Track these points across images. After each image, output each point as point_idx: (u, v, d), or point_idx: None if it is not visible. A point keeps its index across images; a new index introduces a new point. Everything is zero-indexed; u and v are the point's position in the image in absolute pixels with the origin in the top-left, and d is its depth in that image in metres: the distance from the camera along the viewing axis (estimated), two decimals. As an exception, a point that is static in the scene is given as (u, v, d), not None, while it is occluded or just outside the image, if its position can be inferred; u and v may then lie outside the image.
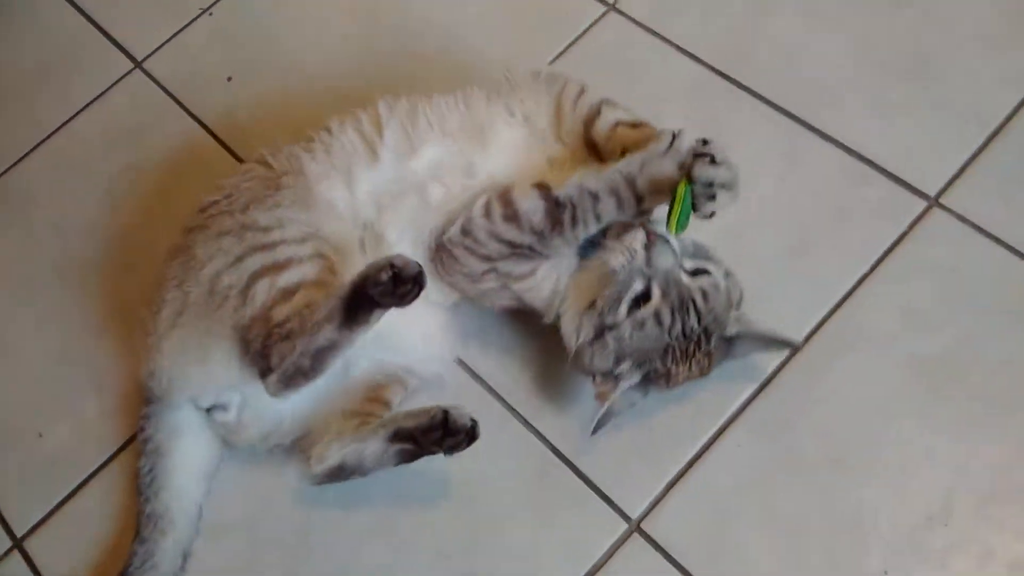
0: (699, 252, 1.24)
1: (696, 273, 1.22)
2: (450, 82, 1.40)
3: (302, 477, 1.30)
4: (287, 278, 1.20)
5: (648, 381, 1.23)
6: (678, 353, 1.20)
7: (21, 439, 1.43)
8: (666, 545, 1.23)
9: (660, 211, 1.23)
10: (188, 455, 1.30)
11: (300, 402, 1.26)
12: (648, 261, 1.19)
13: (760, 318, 1.27)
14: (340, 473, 1.26)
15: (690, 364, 1.22)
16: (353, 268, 1.19)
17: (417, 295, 1.14)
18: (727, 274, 1.24)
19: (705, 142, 1.16)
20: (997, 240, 1.36)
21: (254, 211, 1.25)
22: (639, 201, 1.20)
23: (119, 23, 1.85)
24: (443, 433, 1.19)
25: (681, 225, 1.18)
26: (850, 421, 1.27)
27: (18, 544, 1.36)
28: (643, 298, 1.19)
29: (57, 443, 1.42)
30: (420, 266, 1.13)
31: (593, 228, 1.22)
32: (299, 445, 1.30)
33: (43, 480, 1.40)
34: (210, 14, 1.83)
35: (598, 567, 1.23)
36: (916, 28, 1.56)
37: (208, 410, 1.30)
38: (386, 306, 1.15)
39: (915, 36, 1.55)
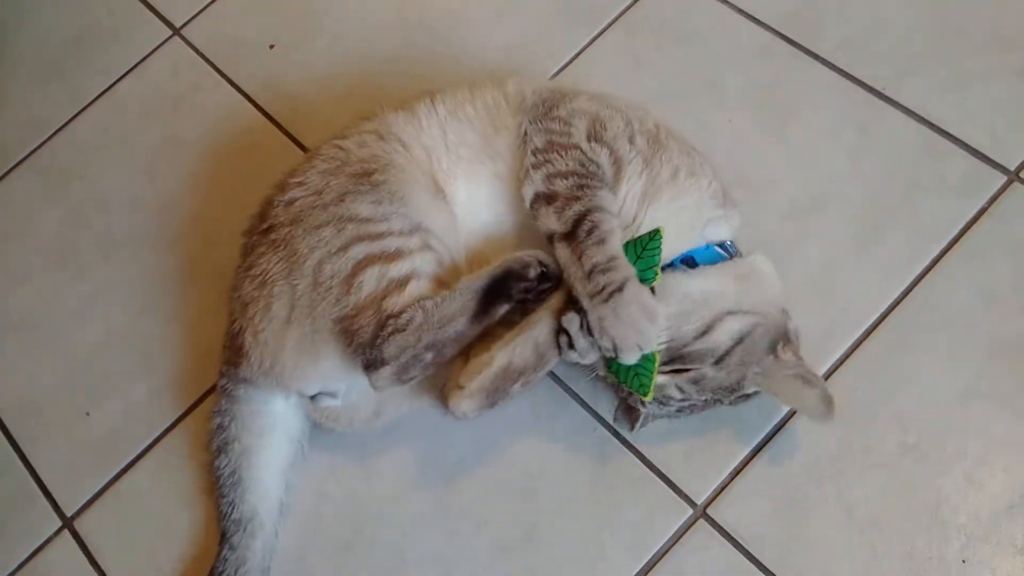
0: (675, 353, 1.12)
1: (675, 371, 1.14)
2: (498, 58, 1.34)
3: (452, 412, 1.17)
4: (399, 268, 1.15)
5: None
6: (689, 412, 1.18)
7: (68, 419, 1.41)
8: (733, 531, 1.20)
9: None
10: (275, 453, 1.26)
11: None
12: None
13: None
14: (503, 385, 1.14)
15: (710, 406, 1.18)
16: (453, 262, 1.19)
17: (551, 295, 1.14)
18: (727, 349, 1.12)
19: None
20: (1081, 216, 1.30)
21: (351, 203, 1.19)
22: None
23: (156, -11, 1.81)
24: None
25: (646, 388, 1.12)
26: (927, 406, 1.22)
27: (68, 524, 1.34)
28: None
29: (105, 423, 1.40)
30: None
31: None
32: (440, 392, 1.22)
33: (92, 460, 1.38)
34: (249, -21, 1.78)
35: (662, 553, 1.20)
36: (993, -6, 1.49)
37: (312, 397, 1.25)
38: (519, 301, 1.14)
39: (992, 3, 1.48)
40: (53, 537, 1.33)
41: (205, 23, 1.75)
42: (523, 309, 1.17)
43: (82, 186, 1.61)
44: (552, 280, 1.14)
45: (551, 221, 1.13)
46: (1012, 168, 1.35)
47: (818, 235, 1.34)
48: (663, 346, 1.12)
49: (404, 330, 1.12)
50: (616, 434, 1.27)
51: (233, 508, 1.23)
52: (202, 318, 1.44)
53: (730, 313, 1.13)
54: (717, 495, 1.22)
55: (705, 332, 1.12)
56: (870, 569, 1.15)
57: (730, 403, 1.17)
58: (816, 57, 1.49)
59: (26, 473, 1.38)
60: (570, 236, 1.12)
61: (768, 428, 1.24)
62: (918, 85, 1.43)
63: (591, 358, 1.13)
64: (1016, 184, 1.34)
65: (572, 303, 1.13)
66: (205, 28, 1.74)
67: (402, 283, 1.15)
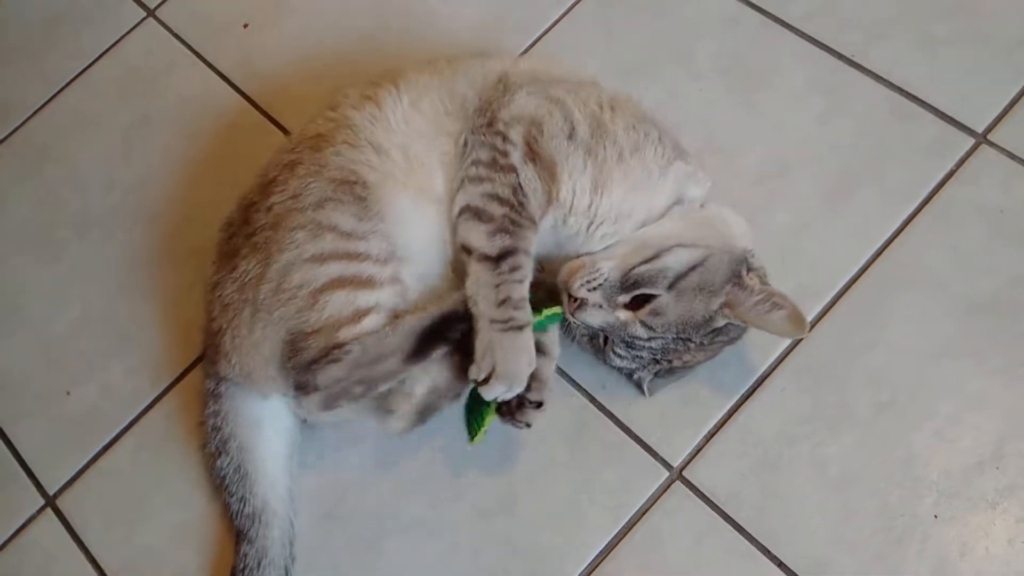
0: (630, 280, 1.15)
1: (636, 304, 1.16)
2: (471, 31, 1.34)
3: (387, 432, 1.22)
4: (366, 299, 1.16)
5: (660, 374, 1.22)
6: (667, 360, 1.19)
7: (49, 398, 1.41)
8: (709, 493, 1.21)
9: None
10: (273, 444, 1.26)
11: None
12: (582, 322, 1.17)
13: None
14: (431, 402, 1.19)
15: (688, 357, 1.19)
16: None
17: None
18: (680, 273, 1.14)
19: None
20: (1048, 177, 1.32)
21: (332, 212, 1.18)
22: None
23: (129, -29, 1.80)
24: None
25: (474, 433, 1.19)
26: (899, 365, 1.24)
27: (51, 502, 1.34)
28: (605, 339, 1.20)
29: (86, 401, 1.40)
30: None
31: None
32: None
33: (73, 438, 1.38)
34: (222, -41, 1.77)
35: (640, 515, 1.21)
36: (960, -41, 1.50)
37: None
38: (455, 343, 1.15)
39: (960, -33, 1.49)
40: (36, 515, 1.34)
41: (179, 4, 1.74)
42: (466, 348, 1.16)
43: (57, 167, 1.61)
44: None
45: (479, 240, 1.16)
46: (980, 130, 1.37)
47: (789, 199, 1.35)
48: (614, 277, 1.15)
49: (339, 361, 1.13)
50: (592, 400, 1.28)
51: (244, 503, 1.22)
52: (180, 296, 1.44)
53: (679, 245, 1.15)
54: (693, 457, 1.23)
55: (653, 258, 1.15)
56: (844, 526, 1.17)
57: (704, 344, 1.17)
58: (785, 25, 1.50)
59: (7, 452, 1.38)
60: (493, 262, 1.15)
61: (742, 390, 1.25)
62: (886, 51, 1.44)
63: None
64: (984, 146, 1.36)
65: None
66: (179, 9, 1.74)
67: (362, 314, 1.16)
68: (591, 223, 1.20)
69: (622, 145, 1.20)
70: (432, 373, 1.17)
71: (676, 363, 1.19)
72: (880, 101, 1.41)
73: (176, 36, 1.71)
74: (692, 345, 1.17)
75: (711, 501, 1.20)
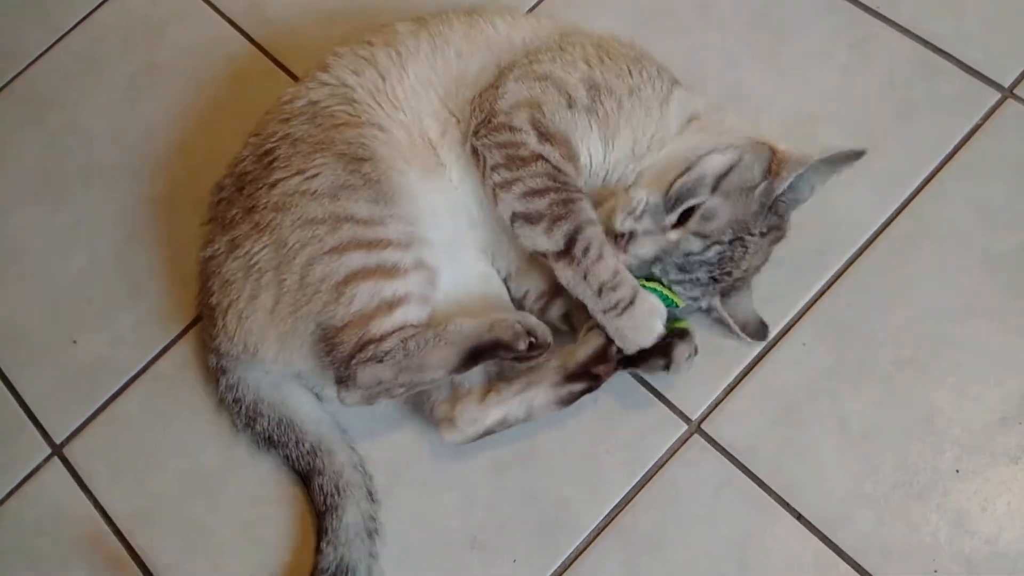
0: (672, 199, 1.13)
1: (682, 221, 1.14)
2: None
3: (447, 440, 1.20)
4: (392, 288, 1.14)
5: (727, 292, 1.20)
6: (726, 272, 1.16)
7: (54, 348, 1.39)
8: (728, 446, 1.20)
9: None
10: (301, 393, 1.25)
11: None
12: (635, 257, 1.15)
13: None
14: (499, 429, 1.20)
15: (746, 264, 1.16)
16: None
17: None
18: (720, 176, 1.13)
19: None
20: (1075, 132, 1.30)
21: (347, 201, 1.15)
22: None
23: (133, -86, 1.75)
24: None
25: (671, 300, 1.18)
26: (921, 320, 1.23)
27: (58, 451, 1.32)
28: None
29: (92, 350, 1.38)
30: (548, 331, 1.15)
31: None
32: (427, 406, 1.23)
33: (80, 387, 1.36)
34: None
35: (657, 468, 1.20)
36: (988, -90, 1.47)
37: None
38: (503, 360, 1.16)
39: (987, -81, 1.46)
40: (43, 464, 1.32)
41: (185, -52, 1.70)
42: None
43: (61, 115, 1.58)
44: (540, 349, 1.14)
45: (541, 241, 1.14)
46: (1006, 85, 1.34)
47: (814, 152, 1.33)
48: (655, 199, 1.14)
49: (382, 361, 1.12)
50: (611, 353, 1.27)
51: (300, 443, 1.21)
52: (187, 244, 1.40)
53: (709, 152, 1.15)
54: (711, 411, 1.22)
55: (687, 170, 1.14)
56: (864, 480, 1.16)
57: (762, 236, 1.15)
58: (808, -25, 1.47)
59: (14, 402, 1.36)
60: (566, 255, 1.13)
61: (762, 345, 1.24)
62: (912, 3, 1.42)
63: None
64: (1010, 101, 1.33)
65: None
66: (185, -47, 1.70)
67: (392, 305, 1.14)
68: (608, 172, 1.20)
69: (619, 94, 1.19)
70: (508, 407, 1.18)
71: (736, 273, 1.16)
72: (905, 54, 1.38)
73: (182, -20, 1.67)
74: (750, 244, 1.14)
75: (729, 454, 1.19)
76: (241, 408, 1.24)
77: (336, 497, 1.18)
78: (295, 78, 1.52)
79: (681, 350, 1.17)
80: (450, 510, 1.21)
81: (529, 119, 1.17)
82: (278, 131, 1.22)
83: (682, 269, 1.15)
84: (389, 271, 1.14)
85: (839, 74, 1.38)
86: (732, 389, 1.23)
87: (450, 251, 1.22)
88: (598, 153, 1.19)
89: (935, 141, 1.32)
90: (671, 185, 1.13)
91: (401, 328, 1.14)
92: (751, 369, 1.23)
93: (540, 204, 1.13)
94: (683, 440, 1.21)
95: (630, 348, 1.15)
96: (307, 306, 1.15)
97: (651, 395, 1.24)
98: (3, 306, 1.43)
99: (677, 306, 1.18)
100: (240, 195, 1.21)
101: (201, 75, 1.57)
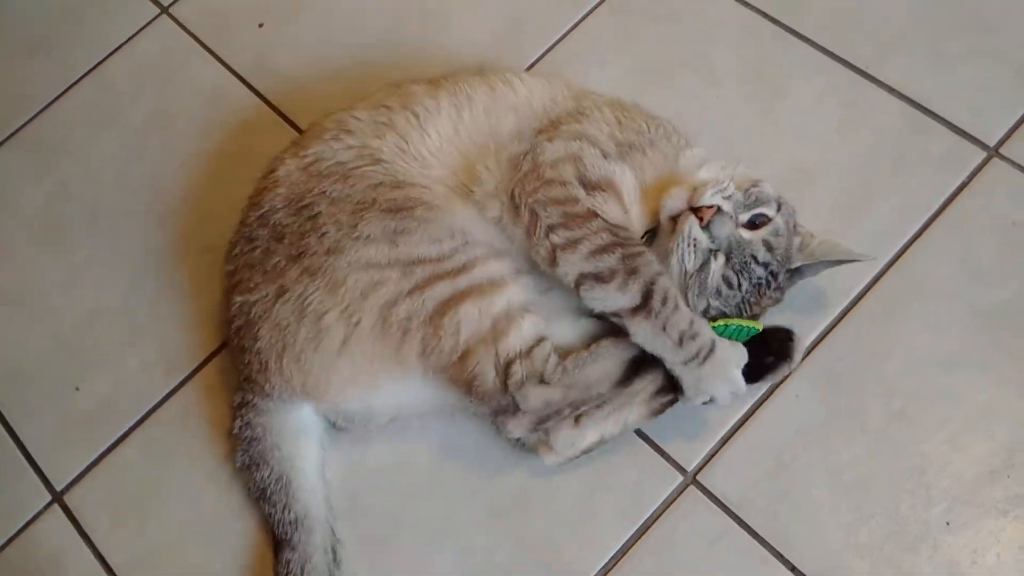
0: (751, 198, 1.19)
1: (755, 224, 1.19)
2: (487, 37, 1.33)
3: (545, 461, 1.21)
4: (498, 302, 1.14)
5: None
6: (751, 301, 1.19)
7: (58, 393, 1.40)
8: (723, 497, 1.21)
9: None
10: (313, 453, 1.25)
11: None
12: (711, 238, 1.16)
13: (822, 231, 1.26)
14: (594, 447, 1.21)
15: (763, 302, 1.21)
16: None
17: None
18: (779, 203, 1.21)
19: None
20: (1059, 191, 1.34)
21: (406, 246, 1.16)
22: None
23: (143, -32, 1.80)
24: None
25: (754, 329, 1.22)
26: (911, 374, 1.25)
27: (58, 498, 1.33)
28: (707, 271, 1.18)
29: (95, 397, 1.39)
30: None
31: None
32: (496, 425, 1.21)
33: (81, 434, 1.37)
34: (237, -42, 1.78)
35: (653, 519, 1.21)
36: (974, -24, 1.52)
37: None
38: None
39: (973, -15, 1.51)
40: (43, 511, 1.33)
41: (194, 1, 1.75)
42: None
43: (70, 162, 1.61)
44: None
45: (615, 299, 1.13)
46: (992, 144, 1.38)
47: (805, 208, 1.34)
48: (738, 194, 1.18)
49: (548, 384, 1.13)
50: (607, 403, 1.29)
51: (287, 510, 1.21)
52: (191, 292, 1.44)
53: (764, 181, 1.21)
54: (707, 462, 1.24)
55: (756, 183, 1.19)
56: (856, 531, 1.17)
57: (783, 283, 1.21)
58: (800, 36, 1.51)
59: (15, 447, 1.37)
60: (643, 308, 1.12)
61: (757, 396, 1.26)
62: (900, 64, 1.46)
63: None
64: (996, 159, 1.37)
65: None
66: (194, 6, 1.74)
67: (511, 319, 1.13)
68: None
69: (643, 147, 1.24)
70: (604, 426, 1.20)
71: (756, 308, 1.20)
72: (895, 113, 1.42)
73: (190, 33, 1.71)
74: (775, 283, 1.19)
75: (724, 506, 1.21)
76: (251, 448, 1.25)
77: None
78: (299, 130, 1.55)
79: (796, 343, 1.21)
80: (448, 559, 1.22)
81: (575, 173, 1.19)
82: (313, 188, 1.23)
83: (727, 283, 1.17)
84: (489, 286, 1.14)
85: (831, 132, 1.42)
86: (727, 440, 1.25)
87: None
88: (632, 198, 1.22)
89: (924, 198, 1.36)
90: (749, 187, 1.17)
91: (536, 342, 1.14)
92: (746, 420, 1.25)
93: (610, 260, 1.13)
94: (679, 491, 1.23)
95: (703, 399, 1.15)
96: (403, 344, 1.15)
97: (647, 446, 1.25)
98: (8, 351, 1.45)
99: (758, 330, 1.20)
100: (280, 244, 1.21)
101: (207, 126, 1.60)
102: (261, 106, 1.61)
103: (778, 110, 1.46)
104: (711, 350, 1.13)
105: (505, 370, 1.13)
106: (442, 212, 1.20)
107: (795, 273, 1.23)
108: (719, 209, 1.16)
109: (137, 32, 1.73)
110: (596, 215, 1.16)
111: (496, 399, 1.13)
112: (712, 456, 1.24)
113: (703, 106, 1.47)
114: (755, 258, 1.17)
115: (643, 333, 1.13)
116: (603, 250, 1.13)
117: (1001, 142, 1.38)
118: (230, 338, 1.28)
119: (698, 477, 1.23)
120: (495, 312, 1.13)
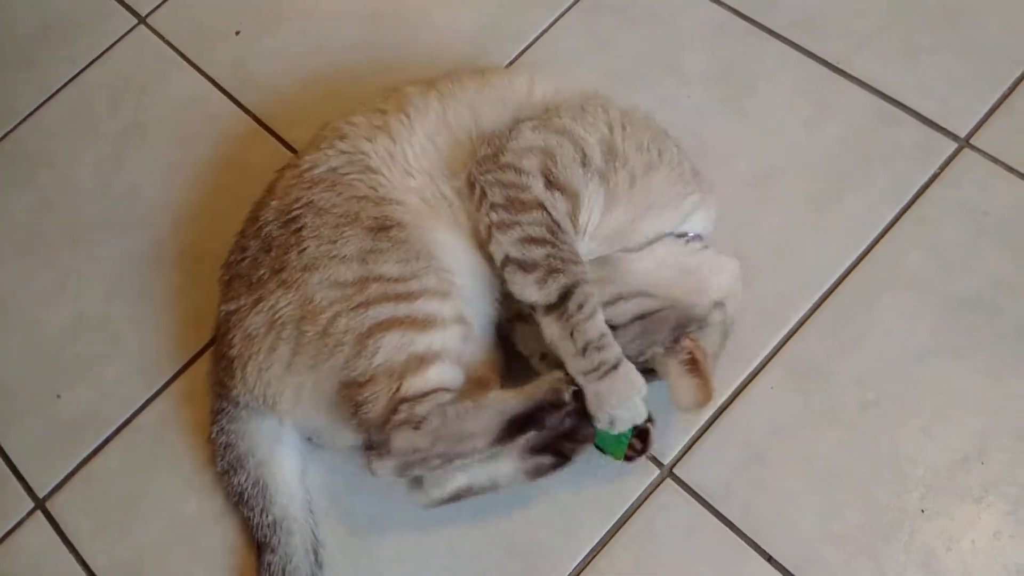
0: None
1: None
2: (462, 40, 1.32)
3: (414, 501, 1.20)
4: (425, 341, 1.11)
5: None
6: None
7: (39, 401, 1.41)
8: (699, 489, 1.22)
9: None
10: (289, 459, 1.25)
11: None
12: None
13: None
14: (464, 495, 1.18)
15: None
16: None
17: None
18: (656, 312, 1.16)
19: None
20: (1029, 180, 1.35)
21: (374, 265, 1.14)
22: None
23: (121, -21, 1.81)
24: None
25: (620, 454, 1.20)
26: (884, 363, 1.26)
27: (40, 505, 1.34)
28: None
29: (76, 404, 1.40)
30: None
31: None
32: None
33: (63, 441, 1.38)
34: (213, -33, 1.79)
35: (631, 513, 1.22)
36: (942, -31, 1.53)
37: None
38: (551, 429, 1.13)
39: (942, -23, 1.53)
40: (26, 519, 1.33)
41: (171, 11, 1.76)
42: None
43: (49, 173, 1.62)
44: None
45: (531, 292, 1.12)
46: (962, 135, 1.40)
47: (777, 202, 1.37)
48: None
49: (419, 428, 1.09)
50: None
51: (265, 513, 1.21)
52: (171, 298, 1.45)
53: (643, 294, 1.15)
54: (683, 455, 1.25)
55: (612, 302, 1.15)
56: (832, 521, 1.18)
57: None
58: (771, 33, 1.53)
59: (-3, 456, 1.38)
60: (557, 309, 1.11)
61: (732, 389, 1.27)
62: (870, 58, 1.47)
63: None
64: (966, 150, 1.38)
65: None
66: (171, 16, 1.75)
67: (424, 361, 1.11)
68: (587, 239, 1.19)
69: (634, 167, 1.19)
70: (473, 475, 1.17)
71: None
72: (865, 107, 1.44)
73: (168, 43, 1.72)
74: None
75: (701, 498, 1.22)
76: (228, 454, 1.25)
77: None
78: (277, 137, 1.56)
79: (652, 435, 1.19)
80: (433, 559, 1.23)
81: (540, 165, 1.16)
82: (302, 197, 1.22)
83: None
84: (422, 323, 1.12)
85: (802, 126, 1.43)
86: (703, 433, 1.25)
87: (483, 310, 1.21)
88: (595, 218, 1.17)
89: (895, 189, 1.37)
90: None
91: (436, 391, 1.11)
92: (721, 413, 1.26)
93: (537, 254, 1.12)
94: (656, 485, 1.23)
95: (604, 419, 1.11)
96: (329, 361, 1.13)
97: (624, 440, 1.26)
98: (-11, 360, 1.46)
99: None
100: (267, 256, 1.21)
101: (186, 134, 1.61)
102: (239, 114, 1.62)
103: (749, 107, 1.47)
104: (614, 367, 1.10)
105: (394, 408, 1.10)
106: (416, 231, 1.18)
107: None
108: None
109: (115, 43, 1.74)
110: (542, 207, 1.13)
111: (373, 433, 1.11)
112: (688, 449, 1.25)
113: (675, 105, 1.48)
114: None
115: (550, 332, 1.11)
116: (533, 241, 1.12)
117: (971, 133, 1.39)
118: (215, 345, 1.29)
119: (675, 470, 1.24)
120: (414, 349, 1.11)
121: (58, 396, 1.41)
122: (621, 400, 1.11)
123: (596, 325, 1.11)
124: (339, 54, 1.64)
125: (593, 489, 1.24)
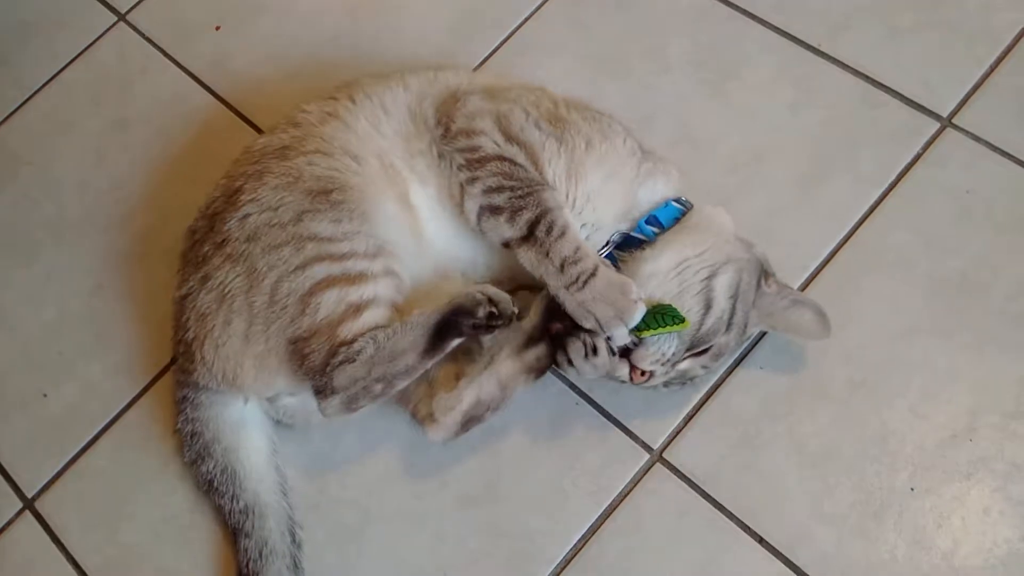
0: (703, 336, 1.16)
1: (696, 354, 1.18)
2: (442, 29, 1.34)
3: (430, 439, 1.21)
4: (359, 292, 1.16)
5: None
6: (686, 380, 1.22)
7: (25, 400, 1.40)
8: (690, 473, 1.22)
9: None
10: (256, 444, 1.26)
11: None
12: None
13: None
14: (475, 414, 1.20)
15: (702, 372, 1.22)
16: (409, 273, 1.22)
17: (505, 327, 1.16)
18: (735, 292, 1.17)
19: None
20: (1011, 158, 1.35)
21: (310, 223, 1.18)
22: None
23: (100, -24, 1.80)
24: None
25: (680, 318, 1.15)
26: (872, 343, 1.26)
27: (29, 505, 1.33)
28: None
29: (62, 403, 1.39)
30: (514, 304, 1.16)
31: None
32: (412, 410, 1.24)
33: (51, 440, 1.37)
34: (192, -37, 1.78)
35: (622, 497, 1.22)
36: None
37: (270, 398, 1.25)
38: (470, 336, 1.16)
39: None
40: (15, 519, 1.33)
41: (150, 7, 1.75)
42: (477, 339, 1.20)
43: (31, 171, 1.61)
44: (503, 319, 1.15)
45: (504, 230, 1.17)
46: (945, 115, 1.40)
47: (762, 185, 1.37)
48: (680, 349, 1.16)
49: (354, 361, 1.14)
50: (573, 387, 1.29)
51: (236, 499, 1.22)
52: (156, 295, 1.44)
53: (712, 275, 1.17)
54: (672, 439, 1.25)
55: (708, 306, 1.16)
56: (822, 501, 1.18)
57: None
58: (753, 17, 1.52)
59: (-16, 457, 1.37)
60: (529, 239, 1.16)
61: (720, 372, 1.27)
62: (852, 39, 1.47)
63: (590, 376, 1.18)
64: (949, 130, 1.39)
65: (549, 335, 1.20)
66: (151, 12, 1.74)
67: (359, 309, 1.16)
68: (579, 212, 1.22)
69: (588, 133, 1.23)
70: (479, 385, 1.19)
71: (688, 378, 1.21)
72: (848, 89, 1.44)
73: (147, 39, 1.71)
74: (721, 361, 1.21)
75: (691, 481, 1.22)
76: (195, 443, 1.26)
77: (258, 563, 1.19)
78: (259, 130, 1.56)
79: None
80: (420, 547, 1.23)
81: (495, 122, 1.22)
82: (245, 171, 1.26)
83: (679, 384, 1.21)
84: (355, 278, 1.17)
85: (785, 109, 1.44)
86: (692, 417, 1.26)
87: (421, 274, 1.25)
88: (561, 184, 1.21)
89: (879, 170, 1.37)
90: (695, 332, 1.15)
91: (371, 329, 1.16)
92: (710, 396, 1.26)
93: (500, 198, 1.18)
94: (645, 469, 1.23)
95: (594, 326, 1.13)
96: (277, 323, 1.17)
97: (613, 425, 1.26)
98: (-27, 360, 1.45)
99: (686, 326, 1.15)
100: (211, 232, 1.23)
101: (167, 129, 1.60)
102: (220, 108, 1.61)
103: (732, 91, 1.47)
104: (592, 274, 1.14)
105: (333, 352, 1.15)
106: (356, 194, 1.21)
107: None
108: (652, 375, 1.17)
109: (95, 40, 1.73)
110: (499, 158, 1.20)
111: (317, 379, 1.15)
112: (678, 433, 1.25)
113: (658, 92, 1.48)
114: (687, 376, 1.19)
115: (529, 260, 1.16)
116: (496, 189, 1.18)
117: (954, 112, 1.40)
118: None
119: (664, 454, 1.24)
120: (350, 299, 1.16)
121: (44, 395, 1.40)
122: (602, 302, 1.13)
123: (569, 242, 1.15)
124: (319, 47, 1.64)
125: (583, 476, 1.24)
